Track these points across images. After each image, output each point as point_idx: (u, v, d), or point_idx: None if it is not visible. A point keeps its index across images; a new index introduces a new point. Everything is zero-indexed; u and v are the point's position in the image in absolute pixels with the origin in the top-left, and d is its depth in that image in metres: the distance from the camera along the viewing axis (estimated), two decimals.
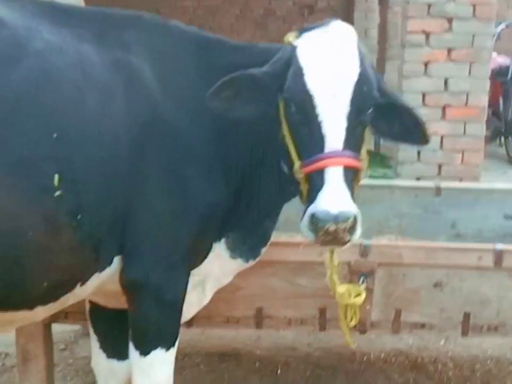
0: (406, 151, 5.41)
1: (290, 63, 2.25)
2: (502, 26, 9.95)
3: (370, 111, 2.24)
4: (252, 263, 2.72)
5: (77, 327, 4.06)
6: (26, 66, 2.16)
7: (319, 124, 2.15)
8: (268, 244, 2.74)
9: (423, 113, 4.41)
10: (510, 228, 3.97)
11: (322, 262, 3.08)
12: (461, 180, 5.33)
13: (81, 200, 2.21)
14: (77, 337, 4.27)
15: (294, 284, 3.07)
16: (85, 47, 2.32)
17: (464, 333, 3.11)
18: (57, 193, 2.15)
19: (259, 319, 3.11)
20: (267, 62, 2.35)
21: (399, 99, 2.41)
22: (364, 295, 2.75)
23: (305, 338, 4.38)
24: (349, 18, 9.33)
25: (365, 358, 4.15)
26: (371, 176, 4.84)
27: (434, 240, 3.66)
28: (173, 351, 2.55)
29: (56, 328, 3.32)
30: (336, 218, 2.06)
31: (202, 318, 2.98)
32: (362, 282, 2.89)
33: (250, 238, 2.65)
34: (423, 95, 5.34)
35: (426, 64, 5.32)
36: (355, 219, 2.11)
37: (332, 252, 2.57)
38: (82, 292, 2.42)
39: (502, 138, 10.03)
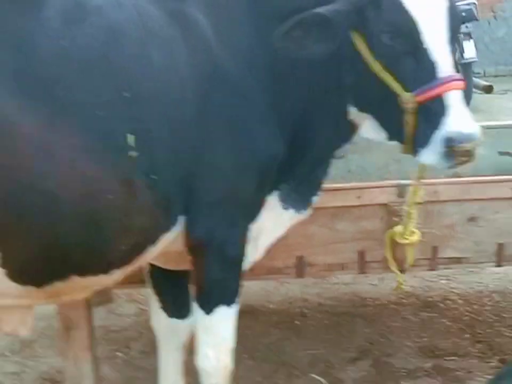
0: None
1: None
2: None
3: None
4: (303, 214, 2.68)
5: None
6: (91, 24, 2.10)
7: (426, 51, 2.14)
8: (320, 192, 2.69)
9: None
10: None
11: (360, 205, 3.13)
12: None
13: (155, 159, 2.17)
14: None
15: (333, 229, 3.06)
16: (140, 0, 2.23)
17: (499, 263, 3.18)
18: (133, 153, 2.10)
19: (300, 267, 3.09)
20: (320, 5, 2.26)
21: None
22: (418, 233, 2.78)
23: (313, 289, 4.41)
24: None
25: (377, 303, 4.22)
26: None
27: None
28: (235, 307, 2.51)
29: None
30: (472, 137, 2.10)
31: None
32: None
33: (302, 186, 2.60)
34: None
35: None
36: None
37: (415, 190, 2.65)
38: (151, 254, 2.36)
39: None
